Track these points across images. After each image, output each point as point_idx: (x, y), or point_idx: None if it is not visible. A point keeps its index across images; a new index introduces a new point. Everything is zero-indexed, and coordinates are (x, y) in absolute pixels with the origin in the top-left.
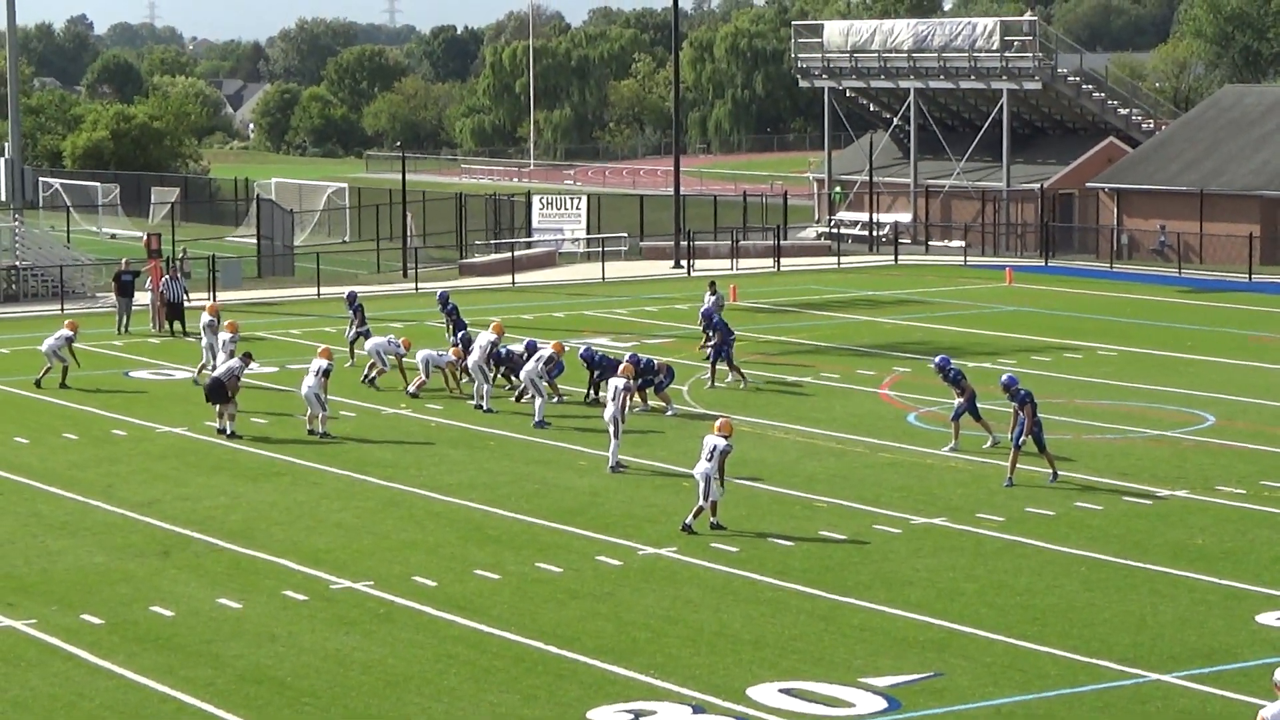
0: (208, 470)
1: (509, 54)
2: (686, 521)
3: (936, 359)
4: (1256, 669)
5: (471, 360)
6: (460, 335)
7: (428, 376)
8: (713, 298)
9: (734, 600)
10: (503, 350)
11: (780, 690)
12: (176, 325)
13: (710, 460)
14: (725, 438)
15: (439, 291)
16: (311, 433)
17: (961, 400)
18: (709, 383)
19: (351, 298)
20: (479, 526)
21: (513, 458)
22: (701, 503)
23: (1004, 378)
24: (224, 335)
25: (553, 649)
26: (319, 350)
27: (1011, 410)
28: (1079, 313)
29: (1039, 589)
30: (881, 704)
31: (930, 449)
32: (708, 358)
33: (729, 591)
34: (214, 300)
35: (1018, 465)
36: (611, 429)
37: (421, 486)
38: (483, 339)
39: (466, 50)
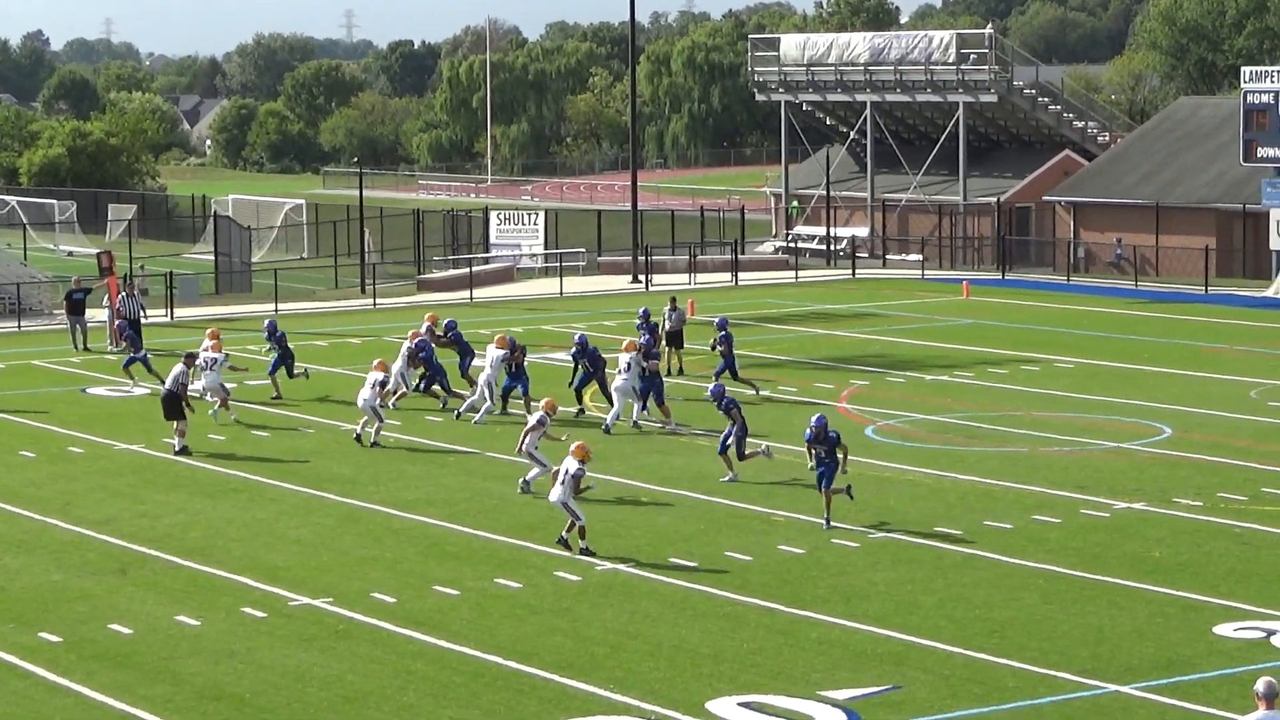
0: (165, 487)
1: (466, 69)
2: (563, 535)
3: (711, 388)
4: (1214, 680)
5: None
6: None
7: (408, 389)
8: (674, 313)
9: (692, 615)
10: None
11: (739, 704)
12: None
13: (563, 484)
14: (580, 462)
15: (267, 320)
16: (363, 440)
17: (734, 428)
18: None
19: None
20: (437, 542)
21: (471, 473)
22: (579, 521)
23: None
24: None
25: (512, 664)
26: (374, 364)
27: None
28: (1036, 325)
29: (997, 602)
30: (840, 717)
31: (888, 463)
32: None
33: (687, 606)
34: (215, 327)
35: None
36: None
37: (380, 503)
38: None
39: (423, 65)
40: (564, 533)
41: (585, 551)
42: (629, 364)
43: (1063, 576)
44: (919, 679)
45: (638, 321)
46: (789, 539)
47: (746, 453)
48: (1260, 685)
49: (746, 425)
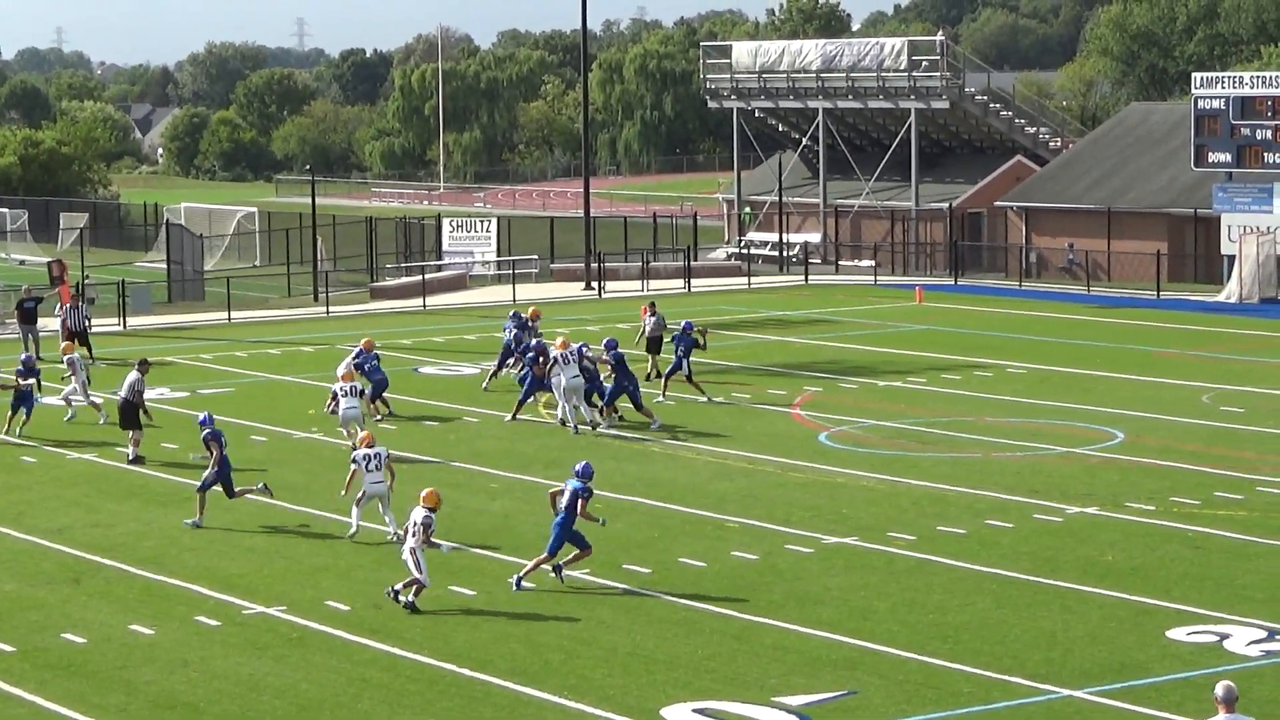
0: (119, 496)
1: (418, 76)
2: (394, 588)
3: (200, 417)
4: (1167, 684)
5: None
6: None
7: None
8: (653, 318)
9: (647, 621)
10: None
11: (694, 710)
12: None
13: (414, 536)
14: (430, 510)
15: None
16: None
17: (213, 470)
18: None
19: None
20: (392, 550)
21: (424, 482)
22: (417, 576)
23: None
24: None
25: (466, 672)
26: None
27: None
28: (989, 331)
29: (951, 607)
30: None
31: (842, 468)
32: (648, 377)
33: (642, 612)
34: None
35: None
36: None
37: (334, 510)
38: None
39: (375, 73)
40: (399, 586)
41: (410, 606)
42: (560, 358)
43: (1016, 581)
44: (874, 684)
45: (508, 324)
46: (742, 545)
47: (237, 490)
48: (1219, 689)
49: (228, 462)
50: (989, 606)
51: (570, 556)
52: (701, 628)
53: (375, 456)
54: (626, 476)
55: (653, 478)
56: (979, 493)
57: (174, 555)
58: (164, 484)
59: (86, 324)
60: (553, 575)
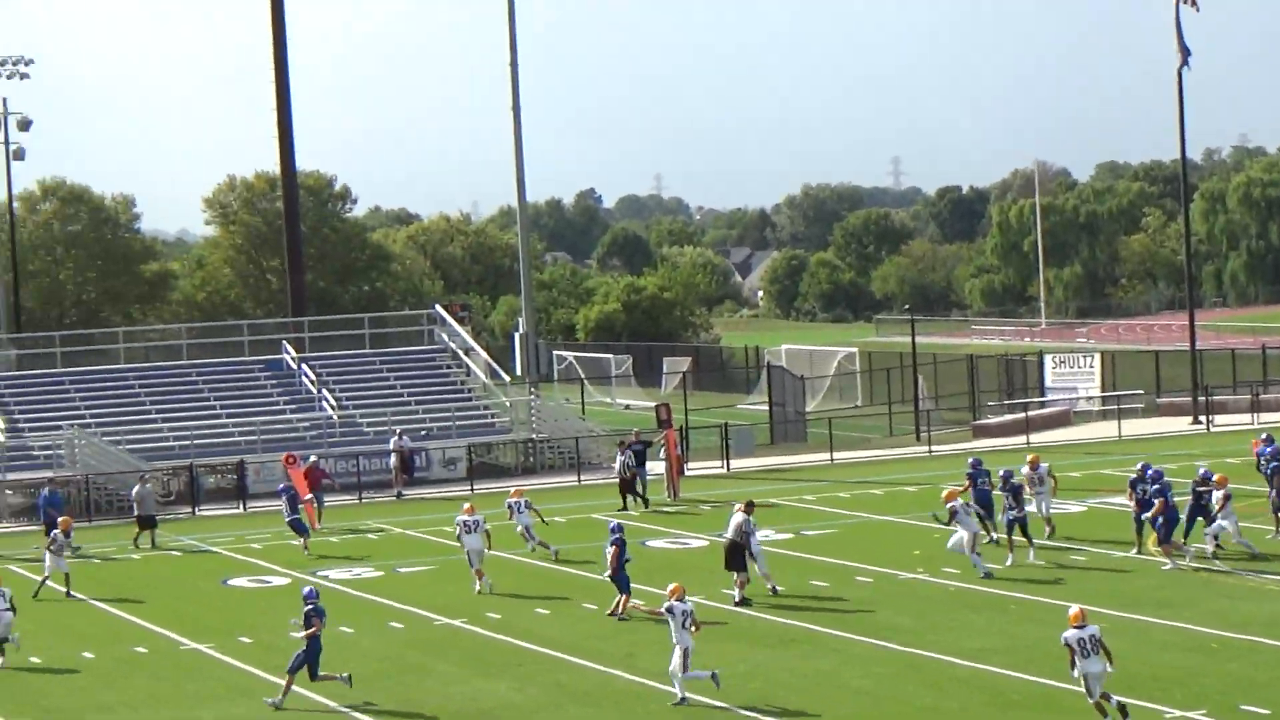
0: (724, 638)
1: (1015, 212)
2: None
3: (305, 590)
4: None
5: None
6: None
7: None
8: (1271, 448)
9: None
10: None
11: None
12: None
13: (1097, 652)
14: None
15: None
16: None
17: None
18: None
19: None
20: (1002, 691)
21: (1035, 621)
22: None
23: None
24: None
25: None
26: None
27: None
28: None
29: None
30: None
31: None
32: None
33: None
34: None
35: None
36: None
37: (942, 651)
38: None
39: (972, 210)
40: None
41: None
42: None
43: None
44: None
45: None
46: None
47: (321, 674)
48: None
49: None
50: None
51: None
52: None
53: (687, 613)
54: (1242, 615)
55: (1271, 617)
56: None
57: (780, 696)
58: (770, 625)
59: (632, 473)
60: None
